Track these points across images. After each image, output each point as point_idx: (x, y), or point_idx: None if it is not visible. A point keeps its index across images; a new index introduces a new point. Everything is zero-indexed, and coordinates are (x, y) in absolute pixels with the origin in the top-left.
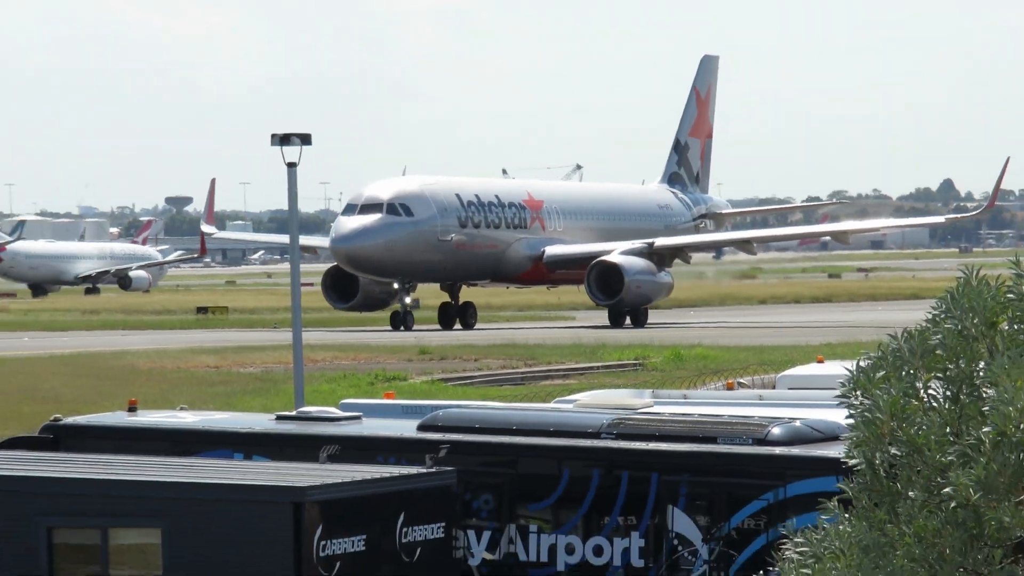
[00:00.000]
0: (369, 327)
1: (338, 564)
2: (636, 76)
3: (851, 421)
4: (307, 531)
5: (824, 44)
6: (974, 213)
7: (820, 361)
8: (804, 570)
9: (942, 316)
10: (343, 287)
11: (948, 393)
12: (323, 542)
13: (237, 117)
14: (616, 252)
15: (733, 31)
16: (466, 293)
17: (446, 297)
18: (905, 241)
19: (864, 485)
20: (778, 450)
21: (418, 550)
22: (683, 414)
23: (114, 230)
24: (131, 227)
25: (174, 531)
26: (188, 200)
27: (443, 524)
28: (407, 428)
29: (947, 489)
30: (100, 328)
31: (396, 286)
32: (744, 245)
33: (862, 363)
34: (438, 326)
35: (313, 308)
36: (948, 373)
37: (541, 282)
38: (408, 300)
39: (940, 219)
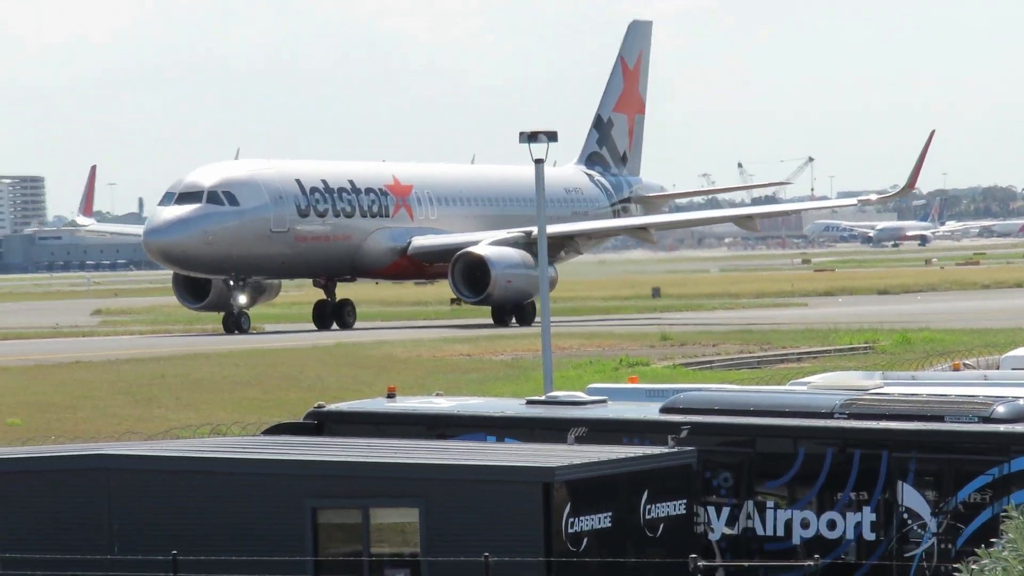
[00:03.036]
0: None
1: (585, 540)
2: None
3: None
4: (556, 509)
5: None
6: (893, 194)
7: None
8: None
9: None
10: (197, 285)
11: None
12: (571, 519)
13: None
14: (484, 243)
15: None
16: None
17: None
18: None
19: None
20: (1002, 427)
21: (661, 526)
22: (911, 394)
23: None
24: None
25: (432, 510)
26: None
27: (685, 501)
28: (650, 411)
29: None
30: (360, 319)
31: (232, 283)
32: (640, 232)
33: None
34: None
35: (563, 298)
36: None
37: (412, 276)
38: (243, 300)
39: (852, 201)
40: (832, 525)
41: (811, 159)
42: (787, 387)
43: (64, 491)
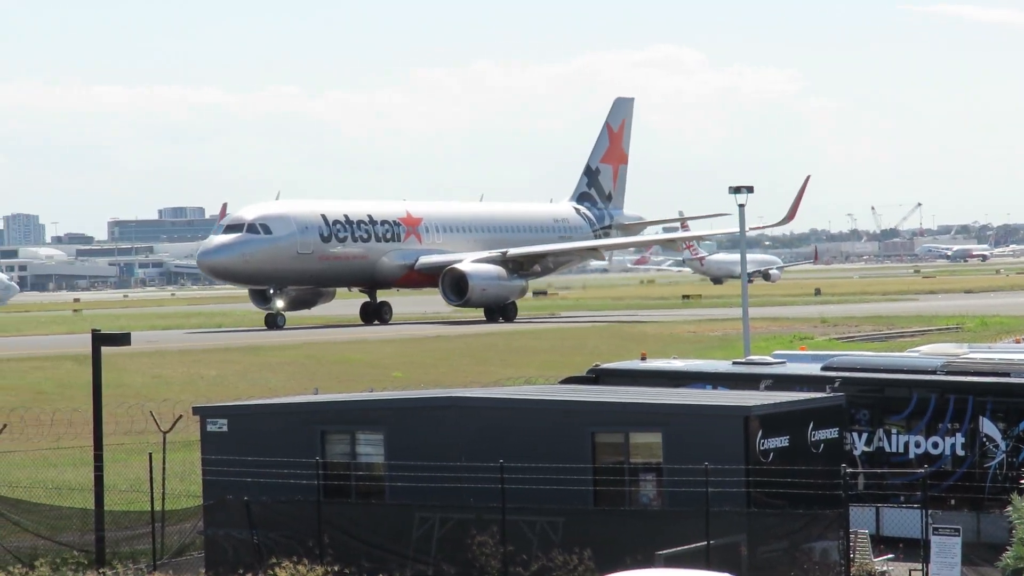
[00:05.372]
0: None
1: (771, 455)
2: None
3: None
4: (752, 433)
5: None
6: (775, 223)
7: None
8: None
9: None
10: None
11: None
12: (762, 440)
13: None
14: (467, 260)
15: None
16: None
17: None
18: None
19: None
20: None
21: (821, 445)
22: (987, 359)
23: None
24: None
25: (670, 433)
26: None
27: (837, 429)
28: (814, 369)
29: None
30: (624, 309)
31: (272, 292)
32: (592, 252)
33: None
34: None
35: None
36: None
37: (421, 286)
38: (280, 304)
39: (733, 230)
40: (935, 445)
41: (919, 204)
42: (905, 353)
43: (431, 420)
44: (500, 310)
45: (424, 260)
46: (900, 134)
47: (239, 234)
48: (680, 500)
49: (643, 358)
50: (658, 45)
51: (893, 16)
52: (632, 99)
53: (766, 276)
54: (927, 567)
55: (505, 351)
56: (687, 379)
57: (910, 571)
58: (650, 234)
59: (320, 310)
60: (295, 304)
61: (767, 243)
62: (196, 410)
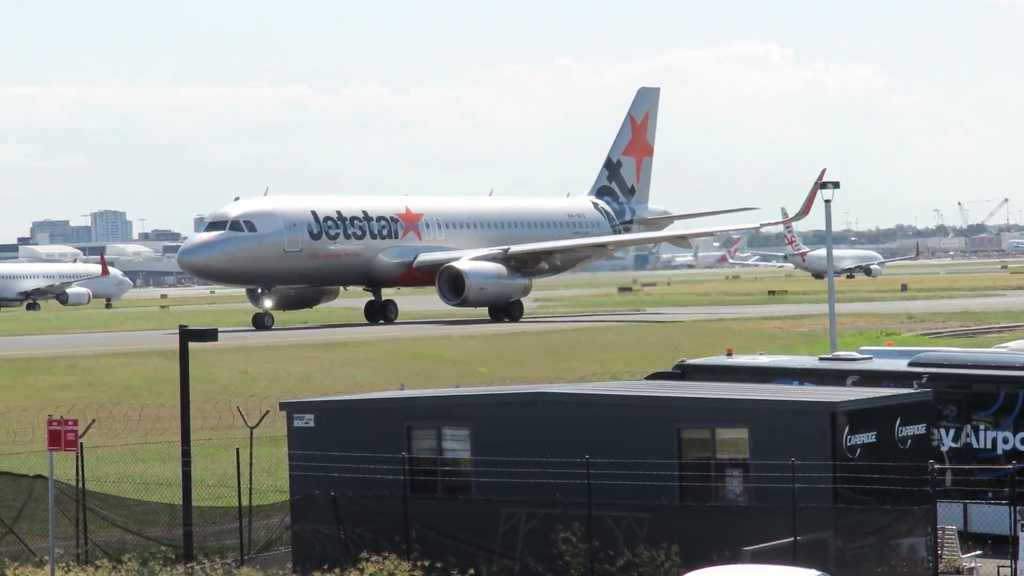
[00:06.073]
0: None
1: (859, 450)
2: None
3: None
4: (839, 429)
5: None
6: (791, 218)
7: None
8: None
9: None
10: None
11: None
12: (849, 436)
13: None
14: (465, 258)
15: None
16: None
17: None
18: None
19: None
20: None
21: (909, 442)
22: None
23: None
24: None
25: (756, 429)
26: None
27: (924, 424)
28: (901, 364)
29: None
30: (708, 304)
31: (259, 291)
32: (600, 248)
33: None
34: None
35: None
36: None
37: (422, 284)
38: (268, 304)
39: (755, 225)
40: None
41: (1007, 199)
42: (992, 349)
43: (517, 416)
44: (504, 309)
45: (424, 257)
46: (987, 129)
47: (221, 232)
48: (766, 496)
49: (729, 354)
50: (741, 41)
51: (979, 8)
52: (657, 89)
53: (867, 271)
54: (1016, 564)
55: (590, 347)
56: (773, 375)
57: (999, 568)
58: (677, 229)
59: (322, 309)
60: (294, 303)
61: (853, 239)
62: (283, 405)
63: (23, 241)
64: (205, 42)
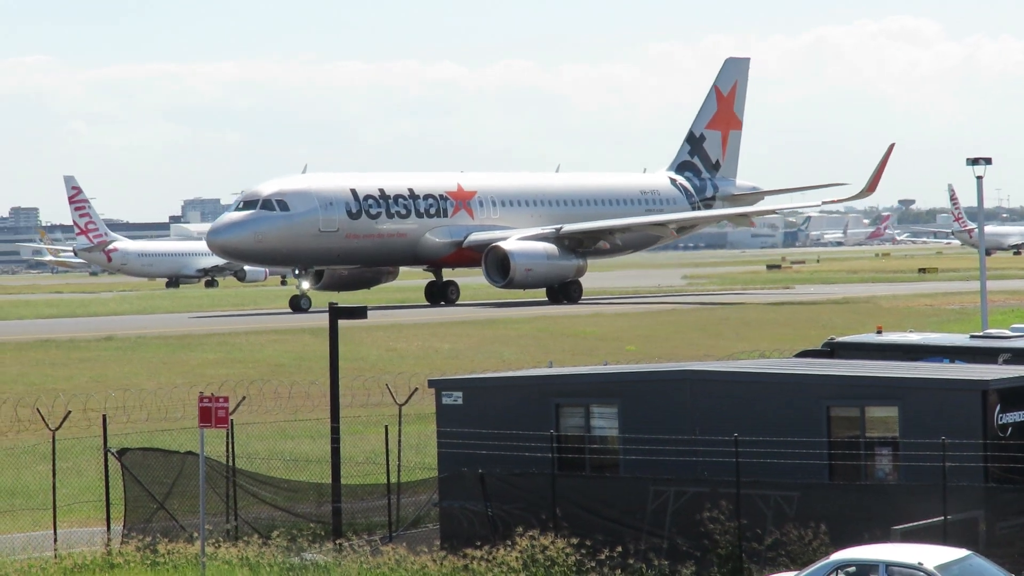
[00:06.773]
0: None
1: (1009, 428)
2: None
3: None
4: (990, 407)
5: None
6: (852, 196)
7: None
8: None
9: None
10: (318, 272)
11: None
12: (1000, 414)
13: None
14: (513, 238)
15: None
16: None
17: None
18: None
19: None
20: None
21: None
22: None
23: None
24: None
25: (906, 407)
26: None
27: None
28: None
29: None
30: (859, 282)
31: (297, 272)
32: (659, 227)
33: None
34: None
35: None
36: None
37: (474, 264)
38: (305, 285)
39: (818, 201)
40: None
41: None
42: None
43: (665, 394)
44: (561, 290)
45: (476, 237)
46: None
47: (253, 211)
48: (916, 475)
49: (879, 331)
50: (894, 16)
51: None
52: (747, 59)
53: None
54: None
55: (738, 324)
56: (923, 352)
57: None
58: (768, 204)
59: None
60: (346, 284)
61: (1004, 216)
62: (431, 383)
63: (174, 219)
64: (355, 20)
